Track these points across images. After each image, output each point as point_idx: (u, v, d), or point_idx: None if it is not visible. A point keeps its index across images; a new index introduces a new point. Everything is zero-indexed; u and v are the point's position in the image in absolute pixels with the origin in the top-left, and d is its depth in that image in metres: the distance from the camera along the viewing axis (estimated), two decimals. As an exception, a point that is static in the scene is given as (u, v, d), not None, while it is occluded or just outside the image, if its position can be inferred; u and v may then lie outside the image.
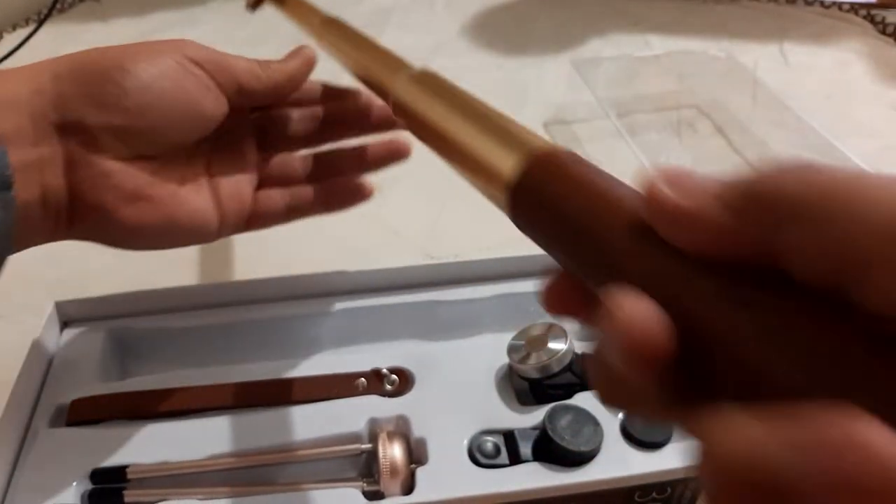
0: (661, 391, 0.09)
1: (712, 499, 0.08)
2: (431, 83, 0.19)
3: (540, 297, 0.12)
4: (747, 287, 0.08)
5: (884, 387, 0.07)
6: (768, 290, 0.08)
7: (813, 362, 0.07)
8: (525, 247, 0.43)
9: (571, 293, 0.11)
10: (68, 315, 0.27)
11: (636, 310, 0.08)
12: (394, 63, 0.22)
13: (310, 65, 0.24)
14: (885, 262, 0.07)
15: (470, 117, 0.16)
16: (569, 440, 0.21)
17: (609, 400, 0.10)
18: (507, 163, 0.13)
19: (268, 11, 0.76)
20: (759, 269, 0.08)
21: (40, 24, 0.56)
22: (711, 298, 0.08)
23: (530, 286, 0.28)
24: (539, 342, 0.24)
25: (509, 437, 0.22)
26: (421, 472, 0.21)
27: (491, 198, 0.14)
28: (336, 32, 0.27)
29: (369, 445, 0.22)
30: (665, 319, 0.09)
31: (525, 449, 0.22)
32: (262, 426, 0.23)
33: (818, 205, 0.08)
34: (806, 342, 0.07)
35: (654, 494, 0.21)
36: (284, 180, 0.24)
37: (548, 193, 0.12)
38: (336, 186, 0.24)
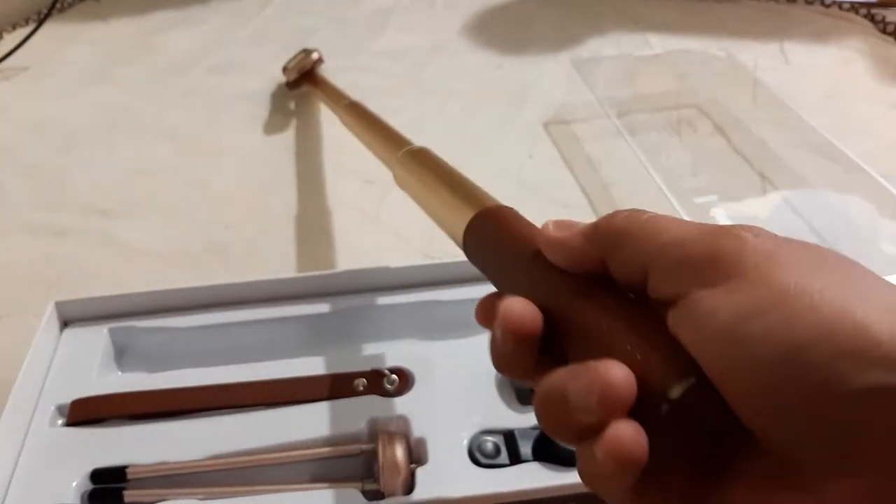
0: (532, 359, 0.14)
1: (537, 415, 0.13)
2: (421, 157, 0.24)
3: (475, 312, 0.16)
4: (585, 287, 0.14)
5: (644, 345, 0.12)
6: (597, 288, 0.14)
7: (610, 333, 0.13)
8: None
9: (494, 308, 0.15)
10: (68, 315, 0.27)
11: (513, 304, 0.14)
12: (396, 140, 0.28)
13: None
14: (654, 269, 0.13)
15: (446, 183, 0.21)
16: (569, 440, 0.21)
17: (499, 369, 0.15)
18: (463, 216, 0.19)
19: (268, 11, 0.76)
20: (599, 275, 0.14)
21: (40, 23, 0.56)
22: (564, 293, 0.14)
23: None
24: (539, 342, 0.24)
25: (509, 436, 0.22)
26: (421, 472, 0.21)
27: (455, 242, 0.20)
28: (355, 113, 0.35)
29: (369, 445, 0.22)
30: (534, 310, 0.14)
31: (525, 448, 0.22)
32: (261, 426, 0.23)
33: (627, 235, 0.13)
34: (608, 320, 0.13)
35: (654, 494, 0.21)
36: None
37: (482, 233, 0.18)
38: None
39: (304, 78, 0.48)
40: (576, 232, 0.14)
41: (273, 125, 0.48)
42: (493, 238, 0.17)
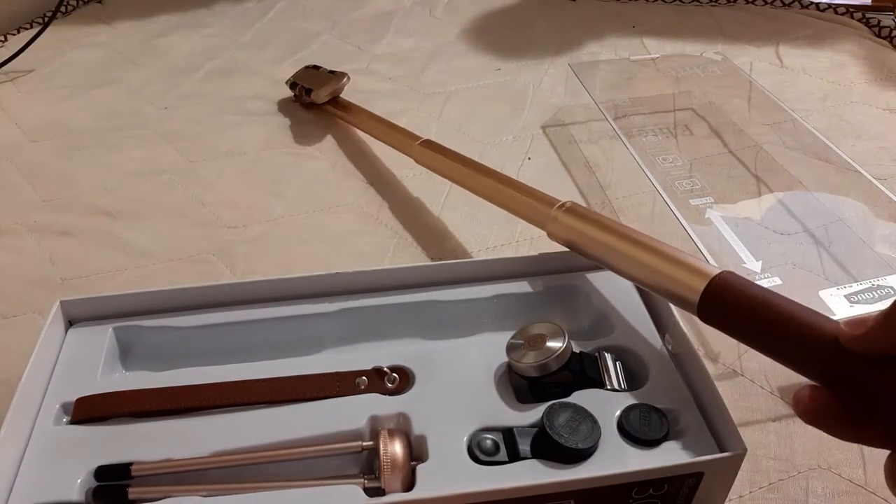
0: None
1: None
2: (581, 214, 0.27)
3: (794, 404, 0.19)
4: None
5: None
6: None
7: None
8: (524, 247, 0.44)
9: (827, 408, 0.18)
10: (73, 314, 0.27)
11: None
12: (543, 198, 0.30)
13: None
14: None
15: (645, 248, 0.24)
16: (567, 437, 0.22)
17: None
18: (694, 285, 0.22)
19: (270, 15, 0.77)
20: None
21: (45, 26, 0.57)
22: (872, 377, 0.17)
23: (530, 286, 0.29)
24: (538, 341, 0.24)
25: (508, 434, 0.23)
26: (421, 469, 0.22)
27: (678, 305, 0.23)
28: (456, 160, 0.36)
29: (370, 443, 0.23)
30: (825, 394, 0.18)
31: (524, 446, 0.22)
32: (264, 424, 0.23)
33: None
34: None
35: (651, 491, 0.22)
36: None
37: (728, 306, 0.21)
38: None
39: (334, 101, 0.47)
40: (873, 326, 0.17)
41: (275, 128, 0.49)
42: (738, 310, 0.20)
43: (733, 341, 0.21)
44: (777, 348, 0.19)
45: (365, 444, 0.23)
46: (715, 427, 0.23)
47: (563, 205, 0.28)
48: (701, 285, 0.21)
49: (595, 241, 0.26)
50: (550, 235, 0.28)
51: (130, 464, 0.22)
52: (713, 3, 0.63)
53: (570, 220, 0.27)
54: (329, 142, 0.47)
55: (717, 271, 0.22)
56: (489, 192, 0.33)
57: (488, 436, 0.22)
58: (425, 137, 0.38)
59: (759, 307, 0.20)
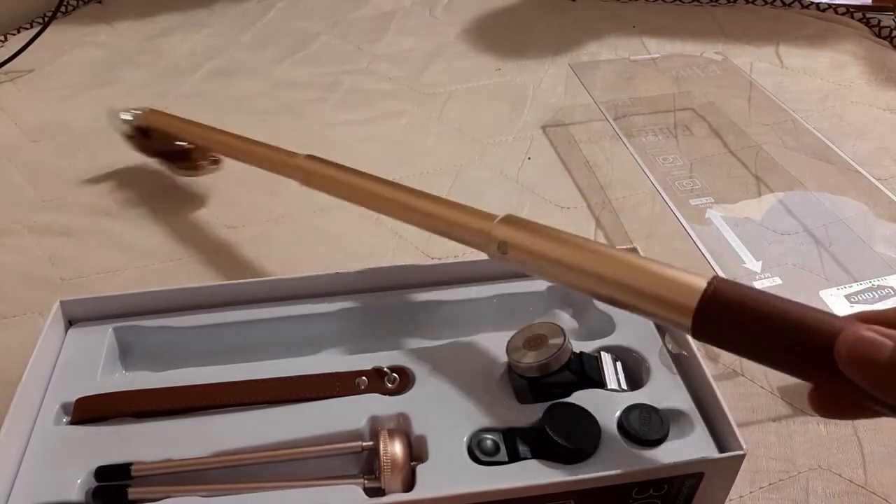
0: None
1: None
2: (526, 226, 0.23)
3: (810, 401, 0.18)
4: None
5: None
6: None
7: None
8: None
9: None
10: (73, 314, 0.27)
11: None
12: (480, 214, 0.25)
13: None
14: None
15: (623, 265, 0.21)
16: (567, 437, 0.22)
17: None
18: (685, 301, 0.19)
19: (270, 15, 0.76)
20: None
21: (45, 26, 0.57)
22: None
23: (530, 286, 0.29)
24: (538, 341, 0.24)
25: (508, 434, 0.23)
26: (421, 469, 0.22)
27: (665, 323, 0.20)
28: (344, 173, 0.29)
29: (370, 443, 0.23)
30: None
31: (524, 446, 0.22)
32: (264, 424, 0.23)
33: None
34: None
35: (651, 491, 0.22)
36: None
37: (726, 318, 0.19)
38: None
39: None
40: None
41: (273, 127, 0.49)
42: (736, 322, 0.18)
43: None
44: (782, 362, 0.18)
45: (365, 444, 0.23)
46: (715, 427, 0.23)
47: (503, 219, 0.23)
48: (693, 302, 0.18)
49: (551, 262, 0.21)
50: (493, 256, 0.23)
51: (130, 464, 0.22)
52: (713, 3, 0.63)
53: (514, 236, 0.22)
54: (327, 141, 0.47)
55: (704, 283, 0.18)
56: (407, 213, 0.26)
57: (488, 436, 0.22)
58: (305, 153, 0.30)
59: (757, 321, 0.18)
